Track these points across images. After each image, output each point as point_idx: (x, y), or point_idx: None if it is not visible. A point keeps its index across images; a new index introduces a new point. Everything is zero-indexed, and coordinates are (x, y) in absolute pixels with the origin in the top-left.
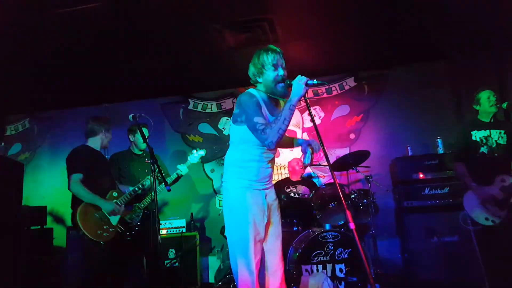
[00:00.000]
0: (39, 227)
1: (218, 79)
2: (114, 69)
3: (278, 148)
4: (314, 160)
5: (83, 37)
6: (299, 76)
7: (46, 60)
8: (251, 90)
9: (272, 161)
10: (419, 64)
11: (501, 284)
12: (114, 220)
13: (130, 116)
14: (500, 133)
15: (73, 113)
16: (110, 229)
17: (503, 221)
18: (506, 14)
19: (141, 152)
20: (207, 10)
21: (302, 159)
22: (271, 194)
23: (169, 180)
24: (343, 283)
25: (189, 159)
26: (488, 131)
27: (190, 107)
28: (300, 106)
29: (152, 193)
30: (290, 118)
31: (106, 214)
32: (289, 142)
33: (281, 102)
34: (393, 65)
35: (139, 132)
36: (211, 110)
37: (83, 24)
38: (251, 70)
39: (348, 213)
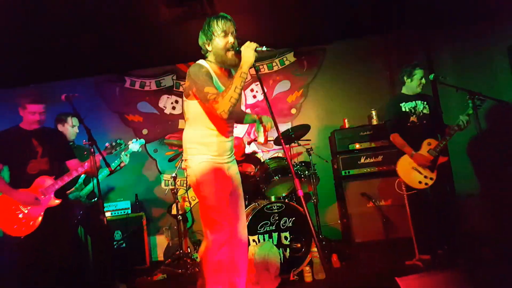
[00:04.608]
0: None
1: (156, 56)
2: (43, 46)
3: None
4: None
5: (9, 13)
6: (248, 42)
7: None
8: (200, 61)
9: (230, 133)
10: (356, 40)
11: (427, 241)
12: (36, 210)
13: (63, 96)
14: (424, 103)
15: None
16: (30, 222)
17: (434, 183)
18: None
19: (70, 143)
20: None
21: (256, 137)
22: (234, 167)
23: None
24: (288, 250)
25: (129, 148)
26: (414, 102)
27: (127, 85)
28: None
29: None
30: (242, 86)
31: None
32: (241, 116)
33: (234, 73)
34: (331, 40)
35: (70, 120)
36: (150, 88)
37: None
38: (201, 39)
39: (297, 181)
